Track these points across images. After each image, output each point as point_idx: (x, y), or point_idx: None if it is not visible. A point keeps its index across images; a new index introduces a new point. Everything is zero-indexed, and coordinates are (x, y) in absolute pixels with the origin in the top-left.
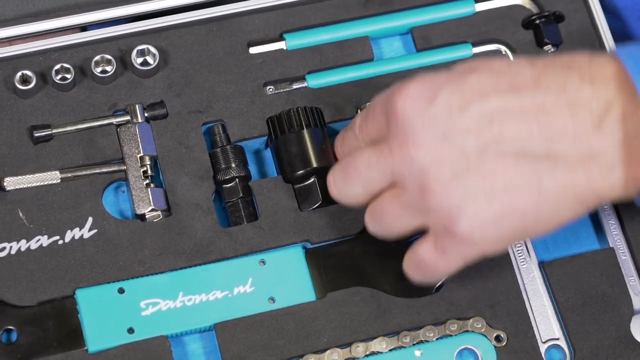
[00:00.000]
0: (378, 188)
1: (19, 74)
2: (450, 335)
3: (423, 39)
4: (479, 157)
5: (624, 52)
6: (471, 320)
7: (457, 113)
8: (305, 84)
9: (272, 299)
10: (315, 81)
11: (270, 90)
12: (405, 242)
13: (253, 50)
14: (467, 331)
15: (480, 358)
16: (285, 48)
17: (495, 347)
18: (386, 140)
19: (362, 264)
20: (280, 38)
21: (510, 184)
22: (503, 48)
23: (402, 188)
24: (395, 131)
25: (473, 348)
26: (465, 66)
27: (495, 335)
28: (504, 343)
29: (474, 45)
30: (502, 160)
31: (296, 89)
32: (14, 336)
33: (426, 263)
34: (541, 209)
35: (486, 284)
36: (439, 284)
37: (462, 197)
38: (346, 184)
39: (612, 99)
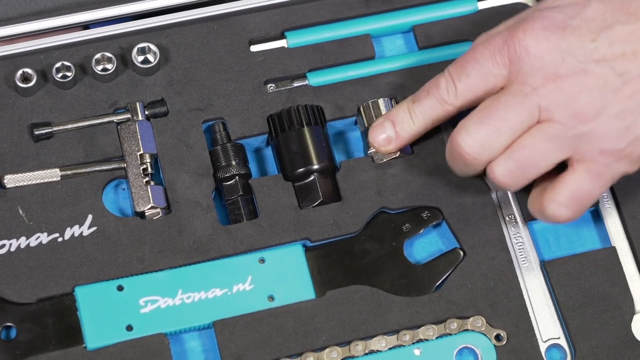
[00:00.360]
0: (522, 130)
1: (20, 72)
2: (450, 334)
3: (425, 37)
4: (622, 80)
5: None
6: (471, 319)
7: (590, 43)
8: (306, 82)
9: (272, 297)
10: (316, 79)
11: (271, 88)
12: (405, 241)
13: (254, 48)
14: (466, 330)
15: (480, 357)
16: (286, 46)
17: (495, 346)
18: (518, 82)
19: (362, 262)
20: (282, 36)
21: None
22: None
23: (549, 121)
24: (532, 69)
25: (473, 347)
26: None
27: (495, 334)
28: (504, 342)
29: None
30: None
31: (297, 87)
32: (13, 333)
33: (582, 193)
34: None
35: (486, 282)
36: (438, 282)
37: (615, 118)
38: (489, 134)
39: None
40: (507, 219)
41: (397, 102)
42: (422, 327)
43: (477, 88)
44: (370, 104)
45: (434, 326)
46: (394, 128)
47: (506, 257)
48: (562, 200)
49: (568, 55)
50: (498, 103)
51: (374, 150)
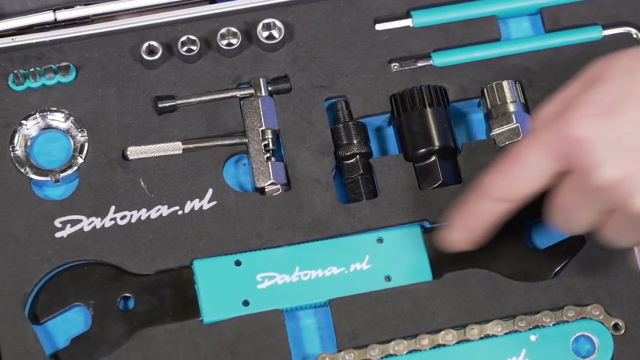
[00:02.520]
0: (600, 218)
1: (146, 44)
2: (567, 322)
3: (552, 19)
4: None
5: None
6: (589, 307)
7: None
8: (430, 62)
9: (388, 277)
10: (441, 60)
11: (395, 67)
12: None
13: (379, 26)
14: (584, 318)
15: (597, 346)
16: (411, 25)
17: (612, 335)
18: (578, 174)
19: (481, 245)
20: (407, 15)
21: None
22: (634, 31)
23: (620, 214)
24: (582, 159)
25: (590, 335)
26: (625, 67)
27: (613, 323)
28: (622, 332)
29: (604, 27)
30: None
31: (421, 66)
32: (131, 303)
33: (621, 244)
34: None
35: (606, 271)
36: (557, 269)
37: None
38: (571, 220)
39: None
40: None
41: (521, 85)
42: (539, 314)
43: (530, 182)
44: (494, 86)
45: (551, 313)
46: (458, 234)
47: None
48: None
49: (624, 143)
50: (563, 196)
51: (497, 132)
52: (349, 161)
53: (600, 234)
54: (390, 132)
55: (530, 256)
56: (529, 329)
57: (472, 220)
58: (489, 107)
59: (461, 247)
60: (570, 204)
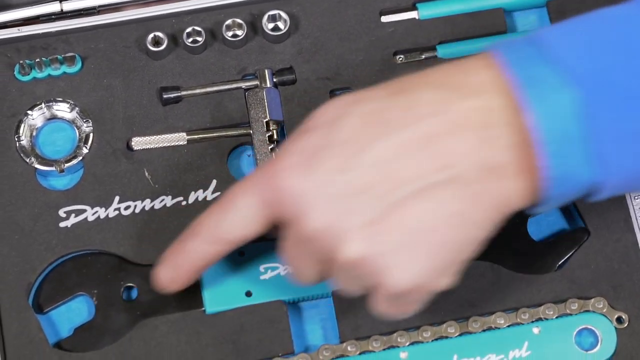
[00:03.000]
0: (321, 268)
1: (151, 35)
2: (570, 315)
3: (558, 13)
4: (385, 209)
5: (500, 47)
6: (593, 300)
7: (345, 174)
8: (435, 55)
9: None
10: (446, 52)
11: (400, 59)
12: (529, 219)
13: (385, 18)
14: (587, 311)
15: (600, 339)
16: (417, 17)
17: (616, 328)
18: (288, 224)
19: None
20: (413, 7)
21: (428, 223)
22: None
23: (333, 261)
24: (287, 210)
25: (593, 328)
26: (330, 115)
27: (616, 316)
28: (626, 325)
29: None
30: (408, 204)
31: (426, 59)
32: (134, 293)
33: (388, 314)
34: (469, 232)
35: (610, 264)
36: (560, 261)
37: (384, 255)
38: (300, 271)
39: (493, 107)
40: (635, 200)
41: None
42: (542, 306)
43: (246, 228)
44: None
45: (554, 305)
46: (170, 271)
47: (632, 239)
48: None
49: (323, 194)
50: (284, 250)
51: None
52: None
53: (335, 285)
54: None
55: (534, 249)
56: (532, 322)
57: (181, 259)
58: None
59: (169, 286)
60: (290, 254)
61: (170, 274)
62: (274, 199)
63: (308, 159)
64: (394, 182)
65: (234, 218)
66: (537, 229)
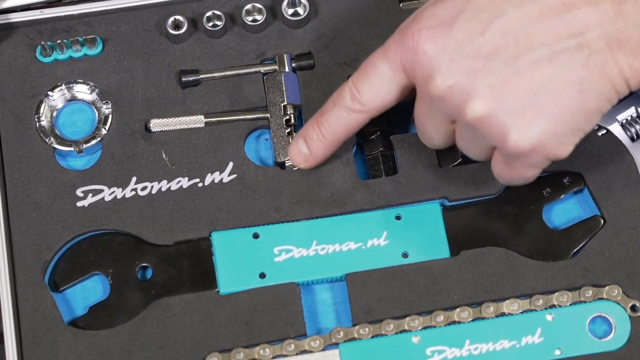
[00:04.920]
0: (447, 129)
1: (171, 19)
2: (584, 302)
3: None
4: (514, 71)
5: None
6: (607, 287)
7: (479, 36)
8: None
9: (406, 254)
10: None
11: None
12: (544, 206)
13: (404, 5)
14: (601, 299)
15: (613, 326)
16: None
17: (630, 316)
18: (419, 87)
19: (499, 224)
20: None
21: (552, 86)
22: None
23: (459, 122)
24: (421, 71)
25: (607, 316)
26: None
27: (631, 304)
28: None
29: None
30: (538, 67)
31: None
32: (149, 273)
33: (504, 178)
34: (587, 100)
35: (625, 252)
36: (575, 249)
37: (509, 114)
38: (426, 133)
39: None
40: None
41: None
42: (556, 293)
43: (383, 93)
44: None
45: (568, 292)
46: (307, 145)
47: None
48: (495, 176)
49: (457, 54)
50: (416, 111)
51: None
52: (370, 138)
53: (459, 147)
54: (412, 109)
55: (549, 235)
56: (545, 309)
57: (322, 130)
58: None
59: (305, 162)
60: (421, 116)
61: (309, 147)
62: (411, 60)
63: (444, 22)
64: (526, 46)
65: (375, 83)
66: (553, 216)
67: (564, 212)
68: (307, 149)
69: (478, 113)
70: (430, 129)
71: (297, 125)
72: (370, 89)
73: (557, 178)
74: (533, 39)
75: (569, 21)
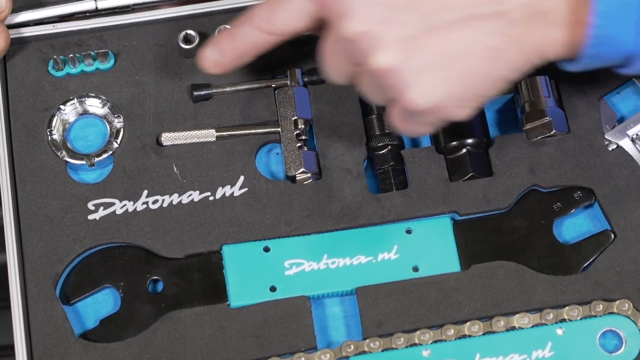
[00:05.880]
0: (351, 70)
1: (183, 33)
2: (595, 316)
3: None
4: (427, 29)
5: None
6: (617, 302)
7: None
8: None
9: (416, 268)
10: None
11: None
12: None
13: None
14: (612, 313)
15: (624, 341)
16: None
17: None
18: (331, 22)
19: (509, 238)
20: None
21: (462, 50)
22: None
23: (363, 67)
24: (335, 9)
25: (617, 330)
26: None
27: None
28: None
29: None
30: (452, 28)
31: None
32: (160, 286)
33: (399, 129)
34: (496, 69)
35: (636, 266)
36: (586, 263)
37: (413, 71)
38: (331, 69)
39: None
40: None
41: (555, 81)
42: (567, 307)
43: (294, 20)
44: (528, 81)
45: (578, 307)
46: (220, 53)
47: None
48: (391, 124)
49: (371, 2)
50: (323, 46)
51: (529, 127)
52: (381, 152)
53: (359, 89)
54: None
55: (559, 250)
56: (556, 323)
57: (231, 42)
58: (523, 102)
59: (213, 67)
60: (327, 52)
61: (218, 55)
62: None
63: None
64: (445, 4)
65: (288, 8)
66: (563, 231)
67: (574, 226)
68: (219, 56)
69: (382, 65)
70: (333, 66)
71: (308, 139)
72: (284, 13)
73: (568, 193)
74: (451, 1)
75: None
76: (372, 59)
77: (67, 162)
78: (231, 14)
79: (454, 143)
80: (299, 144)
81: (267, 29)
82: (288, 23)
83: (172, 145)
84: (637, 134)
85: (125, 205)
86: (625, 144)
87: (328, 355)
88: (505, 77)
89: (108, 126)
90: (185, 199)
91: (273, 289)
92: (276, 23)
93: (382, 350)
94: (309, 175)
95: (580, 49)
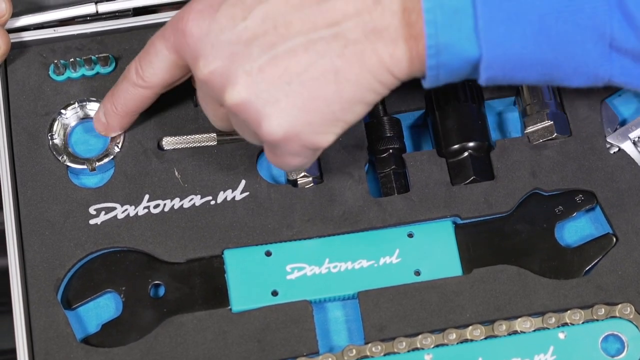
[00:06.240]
0: (222, 112)
1: None
2: (597, 320)
3: None
4: (270, 59)
5: None
6: (619, 306)
7: (241, 22)
8: None
9: (418, 272)
10: None
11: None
12: (556, 224)
13: None
14: (614, 317)
15: (626, 345)
16: None
17: None
18: (190, 67)
19: (511, 242)
20: None
21: (306, 75)
22: None
23: (224, 106)
24: (189, 53)
25: (619, 334)
26: None
27: None
28: None
29: None
30: (294, 56)
31: None
32: (161, 291)
33: (274, 164)
34: (343, 91)
35: (638, 270)
36: (588, 267)
37: (263, 102)
38: (207, 114)
39: None
40: None
41: None
42: (569, 311)
43: (162, 71)
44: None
45: (580, 311)
46: (105, 116)
47: None
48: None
49: (219, 39)
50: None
51: (531, 130)
52: (382, 155)
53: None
54: (424, 129)
55: (561, 253)
56: (558, 327)
57: (114, 102)
58: (524, 105)
59: (106, 131)
60: (200, 99)
61: (106, 117)
62: (181, 42)
63: (211, 6)
64: (284, 34)
65: (154, 62)
66: (565, 234)
67: (576, 230)
68: (104, 119)
69: (234, 100)
70: (207, 111)
71: None
72: (150, 67)
73: (570, 196)
74: (291, 27)
75: (326, 10)
76: (225, 96)
77: (68, 166)
78: None
79: (456, 146)
80: None
81: (140, 84)
82: (157, 75)
83: (173, 149)
84: (638, 137)
85: (126, 209)
86: (627, 147)
87: (330, 359)
88: (357, 99)
89: None
90: (186, 203)
91: (275, 293)
92: (147, 77)
93: (384, 355)
94: (310, 179)
95: (424, 62)
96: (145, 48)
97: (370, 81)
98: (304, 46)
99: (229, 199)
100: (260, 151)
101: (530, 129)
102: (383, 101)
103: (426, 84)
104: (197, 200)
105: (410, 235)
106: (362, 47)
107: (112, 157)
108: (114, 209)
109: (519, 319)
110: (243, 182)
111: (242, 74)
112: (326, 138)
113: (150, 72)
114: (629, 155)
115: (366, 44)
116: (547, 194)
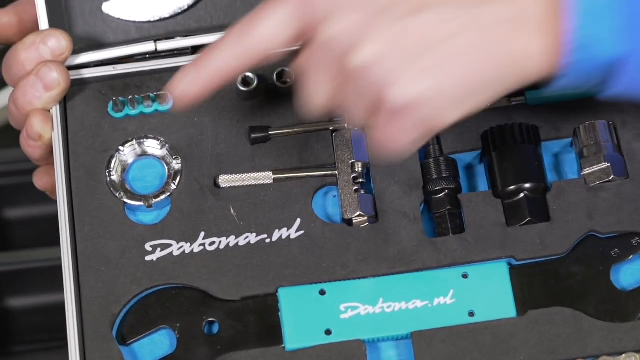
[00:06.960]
0: (329, 83)
1: (241, 76)
2: None
3: None
4: (408, 23)
5: None
6: None
7: None
8: (523, 100)
9: (472, 313)
10: (534, 98)
11: (488, 104)
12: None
13: None
14: None
15: None
16: None
17: None
18: (310, 35)
19: (566, 284)
20: None
21: (445, 47)
22: None
23: (343, 72)
24: (319, 10)
25: None
26: None
27: None
28: None
29: None
30: (432, 26)
31: (514, 104)
32: (215, 328)
33: (382, 140)
34: (478, 71)
35: None
36: None
37: (394, 64)
38: (308, 89)
39: None
40: None
41: (614, 126)
42: (623, 355)
43: (275, 34)
44: (587, 126)
45: (636, 354)
46: (185, 78)
47: None
48: (374, 147)
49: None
50: (300, 63)
51: (587, 172)
52: (438, 196)
53: (341, 109)
54: (479, 169)
55: (617, 296)
56: None
57: (204, 68)
58: (581, 146)
59: (183, 97)
60: (307, 67)
61: (188, 83)
62: (306, 5)
63: None
64: (424, 2)
65: (266, 26)
66: (621, 277)
67: (632, 273)
68: (186, 84)
69: (365, 58)
70: (317, 83)
71: (365, 182)
72: (261, 26)
73: (626, 239)
74: None
75: None
76: (355, 54)
77: (125, 203)
78: (289, 57)
79: (512, 187)
80: (355, 187)
81: (245, 42)
82: (265, 40)
83: (230, 187)
84: None
85: (182, 246)
86: None
87: None
88: (489, 83)
89: (166, 167)
90: (242, 241)
91: (328, 332)
92: (255, 35)
93: None
94: (365, 218)
95: (562, 58)
96: (251, 15)
97: (503, 69)
98: (447, 18)
99: (284, 237)
100: (317, 189)
101: (586, 171)
102: (439, 141)
103: (557, 84)
104: (253, 238)
105: (465, 276)
106: (502, 33)
107: (168, 194)
108: (169, 245)
109: None
110: (298, 220)
111: (376, 34)
112: (447, 116)
113: (263, 33)
114: None
115: (508, 30)
116: (603, 236)
